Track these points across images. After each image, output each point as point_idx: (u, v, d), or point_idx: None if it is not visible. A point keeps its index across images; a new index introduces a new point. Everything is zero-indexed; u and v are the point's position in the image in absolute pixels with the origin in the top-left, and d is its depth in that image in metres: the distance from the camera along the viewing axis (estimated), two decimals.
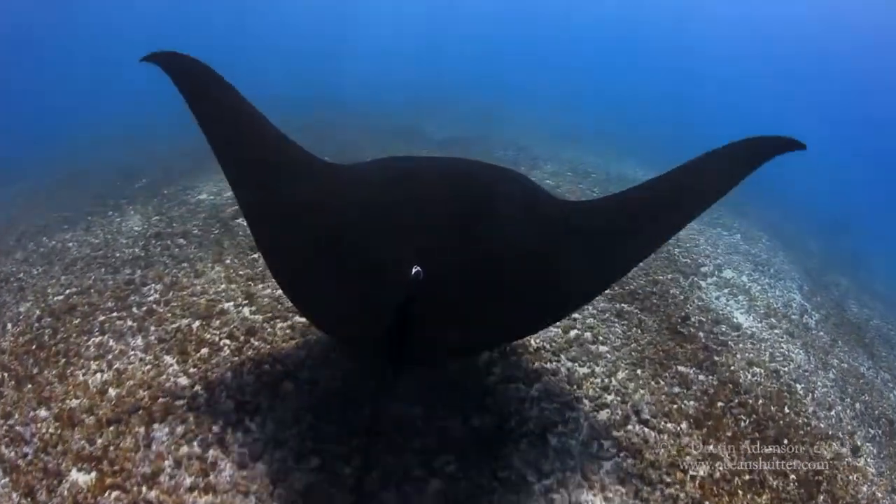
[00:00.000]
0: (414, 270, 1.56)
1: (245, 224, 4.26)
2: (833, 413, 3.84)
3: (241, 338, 3.48)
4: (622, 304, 4.33)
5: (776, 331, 4.82)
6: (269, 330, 3.58)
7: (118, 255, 4.91)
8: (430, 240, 1.82)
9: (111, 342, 3.53)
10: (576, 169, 8.25)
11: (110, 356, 3.39)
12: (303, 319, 3.63)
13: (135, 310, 3.88)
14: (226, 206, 5.94)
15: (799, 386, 4.01)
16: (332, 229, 1.93)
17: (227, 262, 4.61)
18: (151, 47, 2.85)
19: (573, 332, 3.84)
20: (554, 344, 3.67)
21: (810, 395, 3.96)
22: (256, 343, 3.45)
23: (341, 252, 1.83)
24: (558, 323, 3.83)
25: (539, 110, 13.64)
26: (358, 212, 2.00)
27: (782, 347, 4.54)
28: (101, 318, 3.80)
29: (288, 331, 3.55)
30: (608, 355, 3.70)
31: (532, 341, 3.63)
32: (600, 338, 3.85)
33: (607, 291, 4.42)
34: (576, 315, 4.02)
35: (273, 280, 3.81)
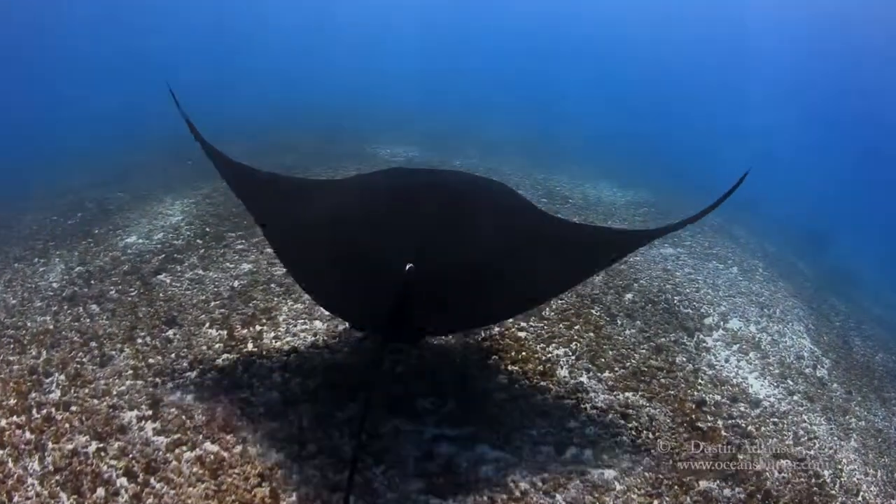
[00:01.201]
0: (407, 268, 1.93)
1: (167, 282, 4.27)
2: (860, 498, 3.35)
3: (140, 476, 2.65)
4: (626, 394, 3.45)
5: (795, 397, 4.16)
6: (173, 464, 2.72)
7: (29, 325, 4.19)
8: (421, 243, 2.15)
9: (9, 463, 2.80)
10: (551, 193, 7.39)
11: (10, 483, 2.68)
12: (215, 448, 2.87)
13: (34, 413, 3.16)
14: (151, 255, 5.13)
15: (826, 473, 3.44)
16: (342, 236, 2.29)
17: (139, 342, 3.81)
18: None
19: (570, 452, 2.92)
20: (545, 476, 2.74)
21: (837, 482, 3.42)
22: (157, 485, 2.60)
23: (350, 254, 2.19)
24: (551, 443, 2.92)
25: (502, 128, 12.79)
26: (363, 221, 2.37)
27: (804, 421, 3.91)
28: (2, 423, 3.08)
29: (196, 467, 2.68)
30: (617, 484, 2.80)
31: (519, 479, 2.70)
32: (604, 456, 2.94)
33: (607, 378, 3.54)
34: (572, 422, 3.12)
35: (182, 380, 3.38)
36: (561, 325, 3.92)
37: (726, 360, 4.31)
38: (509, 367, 3.38)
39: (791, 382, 4.36)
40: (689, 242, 6.29)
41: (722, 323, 4.74)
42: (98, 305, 4.38)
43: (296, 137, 10.47)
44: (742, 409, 3.78)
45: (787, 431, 3.72)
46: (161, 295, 4.45)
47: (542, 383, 3.32)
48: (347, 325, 3.43)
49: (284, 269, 4.69)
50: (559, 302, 4.22)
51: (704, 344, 4.38)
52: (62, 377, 3.50)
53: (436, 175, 2.99)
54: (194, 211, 6.25)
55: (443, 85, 19.37)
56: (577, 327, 3.93)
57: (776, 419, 3.84)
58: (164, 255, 5.15)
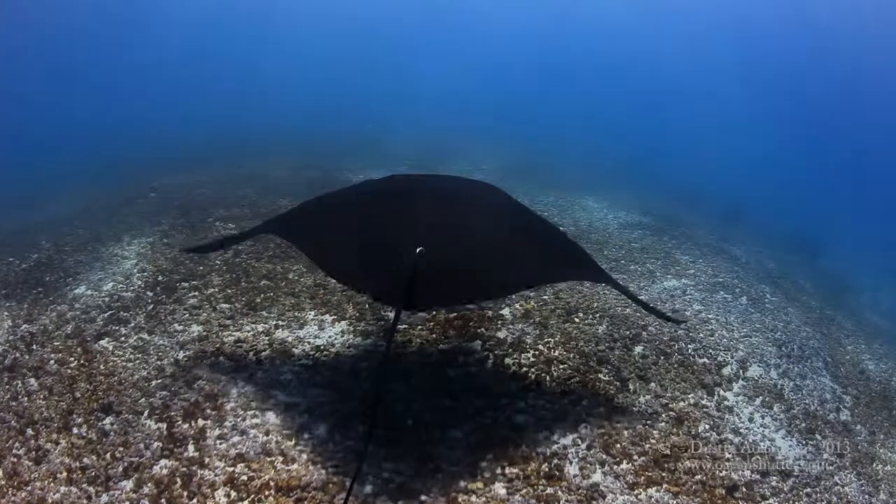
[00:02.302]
0: (418, 251, 2.30)
1: (109, 349, 3.93)
2: None
3: None
4: (650, 491, 2.87)
5: (825, 455, 3.75)
6: None
7: None
8: (429, 233, 2.55)
9: None
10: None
11: None
12: None
13: None
14: (97, 312, 4.46)
15: None
16: (362, 229, 2.75)
17: (75, 433, 3.19)
18: None
19: None
20: None
21: None
22: None
23: (370, 243, 2.63)
24: None
25: (478, 144, 12.24)
26: (380, 216, 2.82)
27: (836, 483, 3.50)
28: None
29: None
30: None
31: None
32: None
33: (626, 471, 2.95)
34: None
35: (117, 492, 2.81)
36: (566, 401, 3.32)
37: (751, 419, 3.79)
38: (507, 471, 2.76)
39: (819, 437, 3.91)
40: (693, 271, 5.79)
41: (741, 372, 4.22)
42: (37, 379, 3.70)
43: (267, 167, 9.69)
44: (774, 483, 3.28)
45: (820, 500, 3.28)
46: (102, 367, 3.78)
47: (549, 490, 2.71)
48: (368, 298, 4.10)
49: (236, 336, 4.07)
50: (561, 367, 3.63)
51: (726, 402, 3.85)
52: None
53: (438, 178, 3.52)
54: (149, 253, 5.58)
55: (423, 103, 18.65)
56: (584, 402, 3.34)
57: (809, 489, 3.39)
58: (109, 313, 4.48)
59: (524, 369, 3.53)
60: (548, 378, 3.48)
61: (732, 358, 4.33)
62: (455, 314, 4.34)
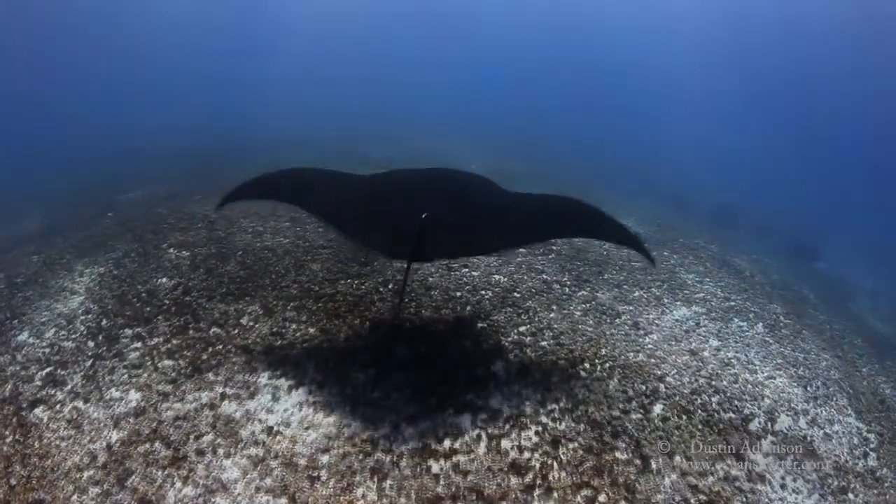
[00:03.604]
0: (424, 216, 2.82)
1: (44, 421, 3.44)
2: None
3: None
4: None
5: None
6: None
7: None
8: (432, 204, 3.05)
9: None
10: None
11: None
12: None
13: None
14: (36, 368, 3.84)
15: None
16: (380, 203, 3.32)
17: None
18: None
19: None
20: None
21: None
22: None
23: (386, 212, 3.19)
24: None
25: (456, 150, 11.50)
26: (394, 192, 3.40)
27: None
28: None
29: None
30: None
31: None
32: None
33: None
34: None
35: None
36: (579, 498, 2.68)
37: (783, 486, 3.27)
38: None
39: (852, 496, 3.43)
40: (702, 294, 5.22)
41: (770, 425, 3.68)
42: None
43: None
44: None
45: None
46: (36, 445, 3.21)
47: None
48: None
49: (176, 409, 3.32)
50: (571, 448, 2.97)
51: (756, 468, 3.30)
52: None
53: (437, 169, 3.87)
54: (97, 289, 4.84)
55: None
56: (601, 498, 2.70)
57: None
58: (48, 370, 3.82)
59: (526, 455, 2.87)
60: (556, 466, 2.83)
61: (759, 408, 3.78)
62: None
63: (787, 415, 3.86)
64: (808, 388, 4.22)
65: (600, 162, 11.74)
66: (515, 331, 3.98)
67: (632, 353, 3.88)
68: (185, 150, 12.06)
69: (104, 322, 4.28)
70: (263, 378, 3.53)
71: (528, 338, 3.91)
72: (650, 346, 4.04)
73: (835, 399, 4.35)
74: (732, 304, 5.14)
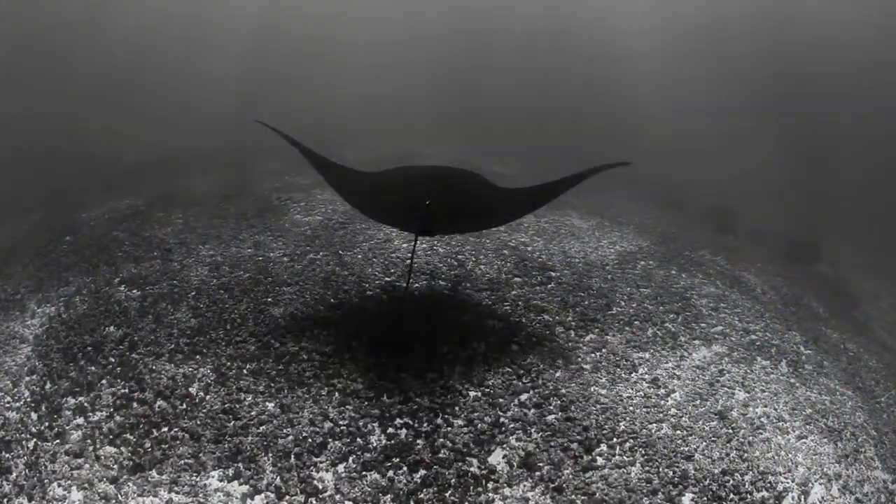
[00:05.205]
0: (427, 203, 3.27)
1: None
2: None
3: None
4: None
5: None
6: None
7: None
8: (434, 191, 3.57)
9: None
10: (523, 261, 5.47)
11: None
12: None
13: None
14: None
15: None
16: (392, 187, 3.94)
17: None
18: None
19: None
20: None
21: None
22: None
23: (398, 197, 3.75)
24: None
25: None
26: (403, 181, 4.01)
27: None
28: None
29: None
30: None
31: None
32: None
33: None
34: None
35: None
36: None
37: None
38: None
39: None
40: (720, 327, 4.73)
41: (803, 499, 3.23)
42: None
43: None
44: None
45: None
46: None
47: None
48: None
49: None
50: None
51: None
52: None
53: (437, 167, 4.48)
54: (45, 338, 4.24)
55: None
56: None
57: None
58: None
59: None
60: None
61: (792, 479, 3.32)
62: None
63: (821, 483, 3.42)
64: (839, 445, 3.80)
65: (591, 161, 11.15)
66: (516, 401, 3.41)
67: (654, 425, 3.36)
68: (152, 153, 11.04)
69: (48, 386, 3.69)
70: (213, 479, 2.90)
71: (532, 410, 3.35)
72: (674, 411, 3.53)
73: (863, 451, 3.95)
74: (753, 338, 4.67)
